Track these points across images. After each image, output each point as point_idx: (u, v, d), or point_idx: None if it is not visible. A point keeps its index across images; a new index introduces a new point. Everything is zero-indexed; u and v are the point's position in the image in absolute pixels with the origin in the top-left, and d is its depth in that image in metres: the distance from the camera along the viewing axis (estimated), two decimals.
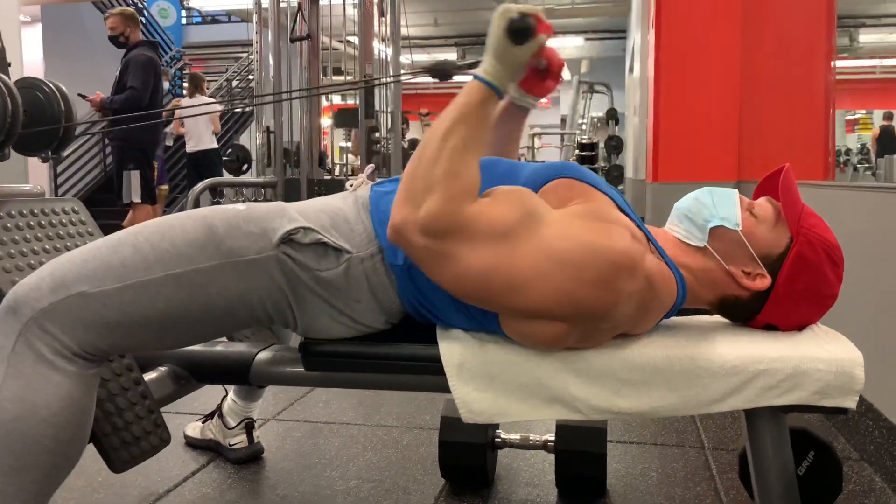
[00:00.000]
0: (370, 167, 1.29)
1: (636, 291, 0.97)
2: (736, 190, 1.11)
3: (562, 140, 11.42)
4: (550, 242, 0.96)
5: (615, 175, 8.95)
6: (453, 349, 1.09)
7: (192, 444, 1.84)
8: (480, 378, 1.07)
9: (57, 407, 0.95)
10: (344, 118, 4.99)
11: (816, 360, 1.00)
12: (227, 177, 5.53)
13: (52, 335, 0.95)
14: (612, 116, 9.65)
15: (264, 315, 1.08)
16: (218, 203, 5.70)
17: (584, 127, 12.85)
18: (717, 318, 1.17)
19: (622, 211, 1.07)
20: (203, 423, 1.83)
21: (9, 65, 1.81)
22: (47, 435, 0.95)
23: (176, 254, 1.00)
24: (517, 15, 0.98)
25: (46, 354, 0.95)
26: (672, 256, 1.07)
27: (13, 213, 1.35)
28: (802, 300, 1.07)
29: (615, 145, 9.22)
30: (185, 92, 7.82)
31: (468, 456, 1.55)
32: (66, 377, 0.96)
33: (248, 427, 1.74)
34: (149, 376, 1.24)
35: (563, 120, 11.92)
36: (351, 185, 1.26)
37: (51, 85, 1.42)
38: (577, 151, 5.85)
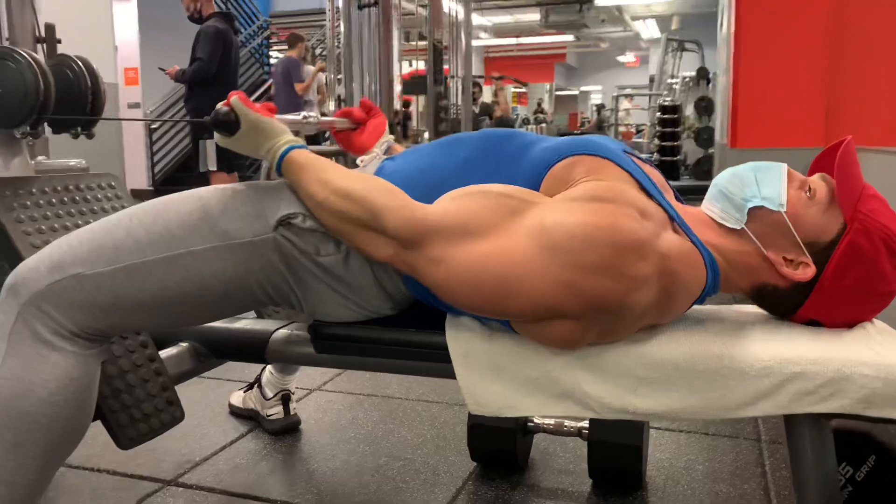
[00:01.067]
0: (385, 142, 1.23)
1: (652, 275, 0.87)
2: (784, 164, 0.98)
3: (649, 101, 10.93)
4: (538, 230, 0.87)
5: (704, 138, 8.47)
6: (460, 337, 1.03)
7: (234, 412, 1.87)
8: (488, 369, 1.01)
9: (54, 386, 0.95)
10: (413, 85, 4.93)
11: (862, 363, 0.88)
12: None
13: (50, 316, 0.96)
14: (703, 76, 9.10)
15: (265, 297, 1.05)
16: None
17: (675, 87, 12.26)
18: (756, 309, 1.05)
19: (642, 188, 0.96)
20: (245, 392, 1.86)
21: (58, 41, 1.85)
22: (45, 413, 0.95)
23: (169, 236, 0.98)
24: (214, 114, 1.02)
25: (44, 334, 0.96)
26: (703, 238, 0.96)
27: (46, 189, 1.38)
28: (852, 296, 0.94)
29: (705, 106, 8.72)
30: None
31: (497, 440, 1.50)
32: (64, 357, 0.96)
33: (285, 399, 1.75)
34: (167, 352, 1.24)
35: (652, 80, 11.40)
36: (362, 161, 1.21)
37: (80, 63, 1.43)
38: (657, 114, 5.56)
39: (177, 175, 8.98)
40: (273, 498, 1.44)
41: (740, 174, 0.97)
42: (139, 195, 8.92)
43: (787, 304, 0.98)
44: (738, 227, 0.95)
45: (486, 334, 1.01)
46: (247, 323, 1.29)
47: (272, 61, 11.53)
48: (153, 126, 8.99)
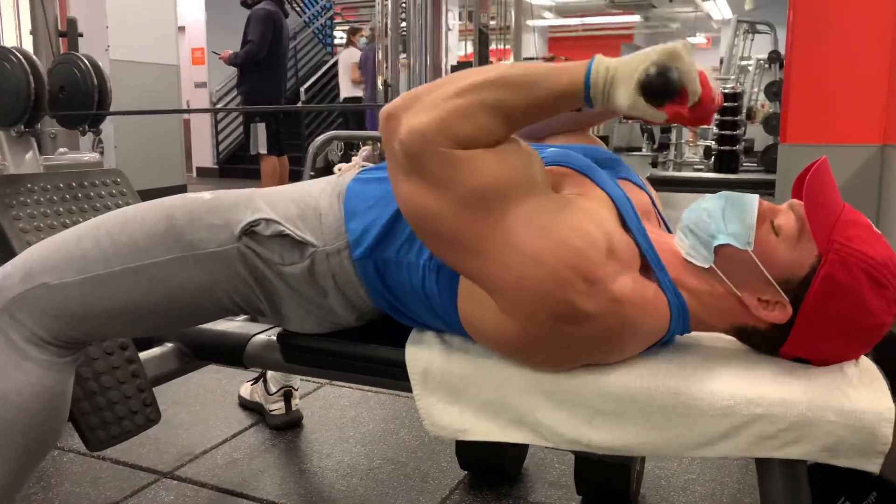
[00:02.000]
0: (365, 150, 1.21)
1: (595, 314, 0.82)
2: (756, 196, 0.90)
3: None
4: (521, 220, 0.82)
5: (774, 125, 8.09)
6: (419, 356, 1.01)
7: (242, 404, 1.90)
8: (446, 390, 0.99)
9: (28, 393, 0.98)
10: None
11: (828, 408, 0.81)
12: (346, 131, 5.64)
13: (23, 324, 0.98)
14: (775, 59, 8.70)
15: (234, 307, 1.06)
16: (348, 157, 5.82)
17: (749, 68, 11.75)
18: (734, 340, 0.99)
19: (620, 217, 0.91)
20: (252, 385, 1.89)
21: (80, 35, 1.90)
22: (19, 419, 0.98)
23: (134, 247, 0.99)
24: (666, 70, 0.77)
25: (18, 342, 0.98)
26: (676, 276, 0.90)
27: (49, 186, 1.42)
28: (835, 333, 0.86)
29: (776, 92, 8.31)
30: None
31: (485, 449, 1.48)
32: (37, 365, 0.99)
33: (287, 395, 1.77)
34: (151, 353, 1.27)
35: (722, 63, 10.95)
36: (339, 169, 1.19)
37: (86, 61, 1.46)
38: None
39: (239, 154, 9.21)
40: (260, 497, 1.46)
41: (708, 207, 0.90)
42: (205, 173, 9.16)
43: (770, 344, 0.91)
44: (707, 266, 0.89)
45: (445, 354, 0.99)
46: (229, 326, 1.31)
47: (336, 41, 11.65)
48: (217, 106, 9.22)
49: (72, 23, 1.82)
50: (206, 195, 1.05)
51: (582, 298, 0.81)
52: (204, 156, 9.41)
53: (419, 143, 0.82)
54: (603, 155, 1.04)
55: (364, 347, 1.08)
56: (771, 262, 0.85)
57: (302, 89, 9.24)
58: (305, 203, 1.04)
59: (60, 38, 1.85)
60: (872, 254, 0.83)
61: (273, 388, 1.78)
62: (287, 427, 1.77)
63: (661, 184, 4.11)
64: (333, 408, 1.91)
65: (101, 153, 5.23)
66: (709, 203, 0.91)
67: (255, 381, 1.88)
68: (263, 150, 4.87)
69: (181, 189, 6.78)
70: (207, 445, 1.68)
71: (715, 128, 5.39)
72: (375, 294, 1.02)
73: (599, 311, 0.82)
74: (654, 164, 10.24)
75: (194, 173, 9.09)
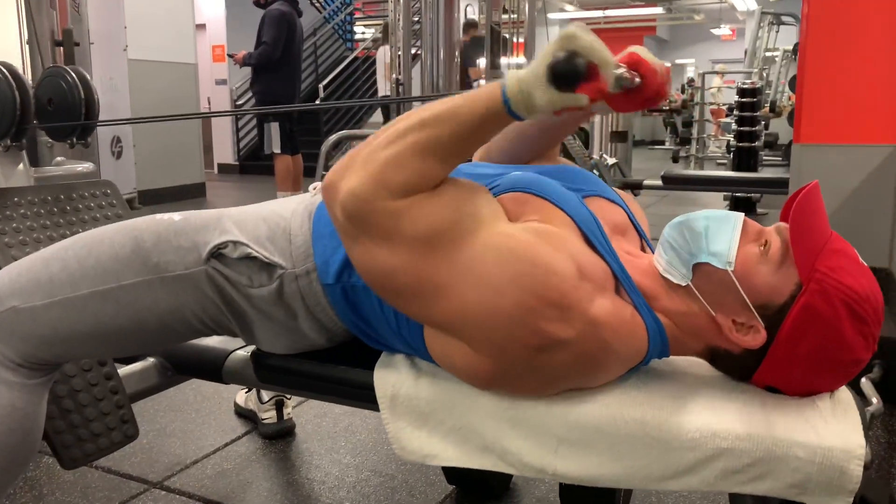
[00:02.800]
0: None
1: (572, 339, 0.80)
2: (741, 215, 0.87)
3: (741, 78, 10.34)
4: (475, 258, 0.81)
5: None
6: (387, 380, 1.00)
7: (237, 412, 1.91)
8: (414, 415, 0.98)
9: None
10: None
11: (795, 444, 0.78)
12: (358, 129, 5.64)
13: None
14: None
15: (205, 328, 1.05)
16: None
17: (776, 59, 11.53)
18: (709, 366, 0.96)
19: (586, 239, 0.89)
20: (247, 392, 1.89)
21: (76, 44, 1.91)
22: None
23: (101, 270, 0.99)
24: (569, 54, 0.77)
25: None
26: (651, 296, 0.88)
27: (37, 199, 1.43)
28: (809, 364, 0.82)
29: None
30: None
31: None
32: (8, 387, 0.99)
33: (279, 404, 1.77)
34: (132, 368, 1.27)
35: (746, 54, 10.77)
36: (314, 188, 1.18)
37: (73, 74, 1.46)
38: (735, 98, 5.20)
39: (259, 151, 9.27)
40: None
41: (690, 224, 0.87)
42: (226, 169, 9.21)
43: (742, 370, 0.88)
44: (684, 284, 0.86)
45: (413, 379, 0.98)
46: (210, 340, 1.30)
47: (357, 37, 11.65)
48: (237, 103, 9.28)
49: (67, 33, 1.83)
50: (176, 216, 1.04)
51: (555, 325, 0.79)
52: (225, 152, 9.48)
53: (359, 203, 0.82)
54: (570, 174, 1.01)
55: (335, 369, 1.07)
56: (750, 285, 0.82)
57: (321, 86, 9.26)
58: (276, 223, 1.02)
59: (58, 48, 1.86)
60: (855, 286, 0.79)
61: (265, 397, 1.78)
62: (279, 436, 1.77)
63: (674, 182, 4.04)
64: (327, 416, 1.91)
65: (119, 154, 5.30)
66: (692, 218, 0.88)
67: (250, 388, 1.88)
68: (277, 150, 4.89)
69: (200, 187, 6.85)
70: (199, 455, 1.68)
71: (734, 124, 5.29)
72: (345, 318, 1.01)
73: (576, 335, 0.80)
74: (675, 159, 10.11)
75: (215, 170, 9.16)
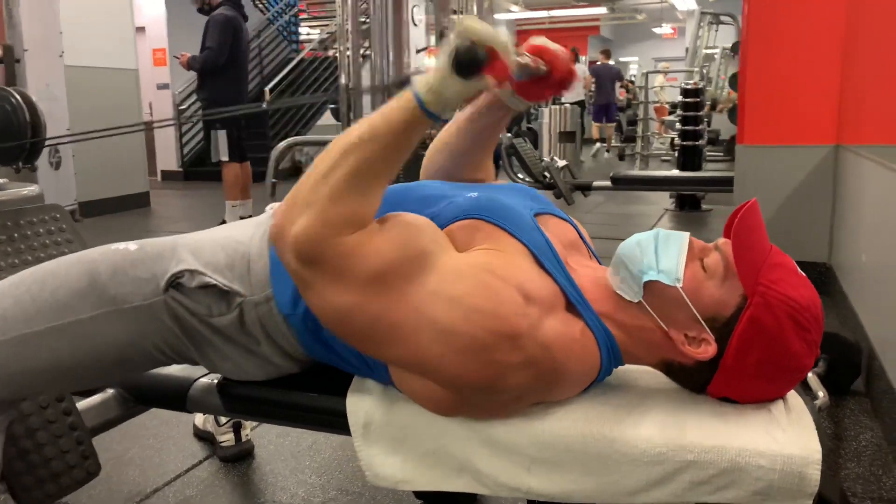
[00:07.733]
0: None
1: (526, 362, 0.84)
2: (687, 234, 0.91)
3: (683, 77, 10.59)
4: (425, 297, 0.84)
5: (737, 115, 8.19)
6: (360, 407, 1.00)
7: (196, 434, 1.87)
8: (387, 441, 0.98)
9: None
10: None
11: (757, 454, 0.82)
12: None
13: None
14: (738, 50, 8.76)
15: (166, 358, 1.03)
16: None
17: (716, 56, 11.85)
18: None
19: (537, 259, 0.91)
20: (205, 415, 1.85)
21: (17, 61, 1.84)
22: None
23: (56, 304, 0.96)
24: (468, 44, 0.81)
25: None
26: (603, 310, 0.91)
27: None
28: (759, 374, 0.87)
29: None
30: None
31: None
32: None
33: (236, 427, 1.74)
34: (90, 402, 1.24)
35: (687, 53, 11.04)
36: (272, 208, 1.17)
37: (17, 96, 1.41)
38: (679, 98, 5.34)
39: (205, 157, 9.06)
40: None
41: (641, 243, 0.91)
42: (170, 176, 8.96)
43: (696, 382, 0.92)
44: (636, 301, 0.89)
45: (387, 405, 0.98)
46: (172, 369, 1.27)
47: (302, 38, 11.49)
48: (180, 108, 9.07)
49: (7, 50, 1.76)
50: (132, 246, 1.02)
51: (508, 354, 0.83)
52: (169, 159, 9.24)
53: (309, 245, 0.83)
54: (521, 193, 1.04)
55: (305, 396, 1.06)
56: (698, 299, 0.86)
57: (267, 88, 9.11)
58: (234, 249, 1.01)
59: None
60: (797, 297, 0.84)
61: (222, 419, 1.75)
62: (238, 459, 1.74)
63: (624, 183, 4.13)
64: (289, 435, 1.88)
65: (58, 165, 5.10)
66: (643, 238, 0.92)
67: None
68: (225, 158, 4.80)
69: (145, 196, 6.66)
70: (159, 483, 1.65)
71: (678, 123, 5.43)
72: (308, 345, 1.00)
73: (530, 359, 0.84)
74: (621, 157, 10.30)
75: (159, 177, 8.93)
